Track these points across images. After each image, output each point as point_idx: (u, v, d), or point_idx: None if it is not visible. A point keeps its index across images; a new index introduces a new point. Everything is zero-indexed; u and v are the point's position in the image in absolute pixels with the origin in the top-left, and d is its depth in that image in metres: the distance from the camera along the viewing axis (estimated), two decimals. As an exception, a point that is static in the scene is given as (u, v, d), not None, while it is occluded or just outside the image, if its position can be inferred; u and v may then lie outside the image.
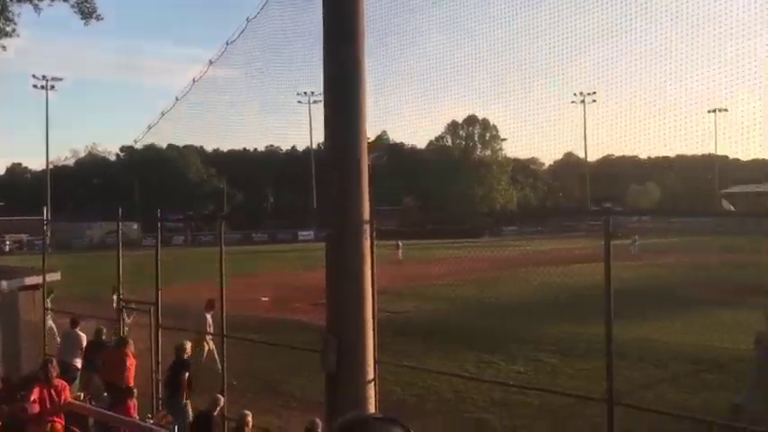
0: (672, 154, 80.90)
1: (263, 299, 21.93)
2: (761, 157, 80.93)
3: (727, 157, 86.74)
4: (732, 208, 59.15)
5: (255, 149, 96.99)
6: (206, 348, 13.23)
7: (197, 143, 77.10)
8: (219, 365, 11.61)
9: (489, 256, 35.61)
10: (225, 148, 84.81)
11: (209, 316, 13.46)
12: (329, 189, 7.15)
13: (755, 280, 23.49)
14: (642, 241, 40.67)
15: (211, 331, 13.03)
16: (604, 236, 6.65)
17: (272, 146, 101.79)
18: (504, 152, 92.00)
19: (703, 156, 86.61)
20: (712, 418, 8.78)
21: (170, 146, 76.52)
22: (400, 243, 39.73)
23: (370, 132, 7.45)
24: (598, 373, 12.55)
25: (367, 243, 7.12)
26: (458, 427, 10.45)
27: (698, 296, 21.76)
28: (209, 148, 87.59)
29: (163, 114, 11.37)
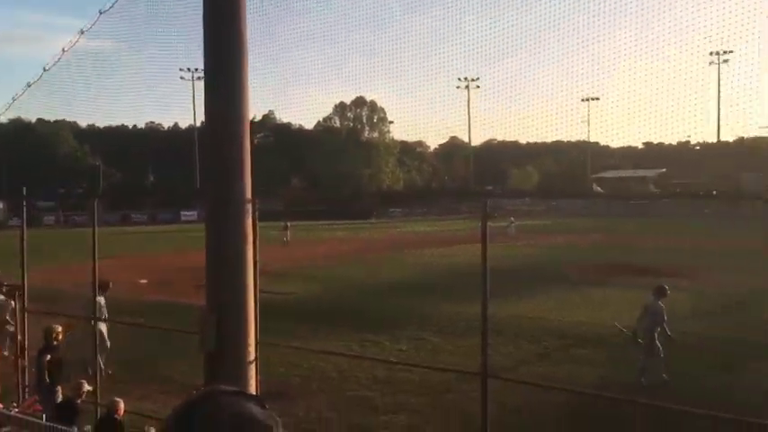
0: (549, 140, 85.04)
1: (142, 281, 21.12)
2: (628, 144, 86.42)
3: (598, 143, 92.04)
4: (601, 191, 62.85)
5: (135, 126, 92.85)
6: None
7: (69, 117, 72.83)
8: (99, 351, 11.41)
9: (375, 238, 36.11)
10: (101, 123, 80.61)
11: (101, 299, 12.92)
12: (210, 167, 6.96)
13: (623, 260, 25.24)
14: (520, 223, 42.45)
15: (105, 315, 12.56)
16: (482, 217, 6.88)
17: (152, 122, 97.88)
18: (391, 135, 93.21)
19: (577, 142, 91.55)
20: (579, 389, 9.39)
21: (40, 120, 71.90)
22: (288, 224, 39.42)
23: (258, 111, 7.31)
24: (476, 349, 13.09)
25: (249, 222, 7.00)
26: (341, 404, 10.54)
27: (570, 275, 23.01)
28: (83, 123, 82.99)
29: (29, 86, 10.60)
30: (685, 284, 21.05)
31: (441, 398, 10.56)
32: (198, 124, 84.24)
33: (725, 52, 59.82)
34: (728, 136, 77.00)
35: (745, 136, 73.75)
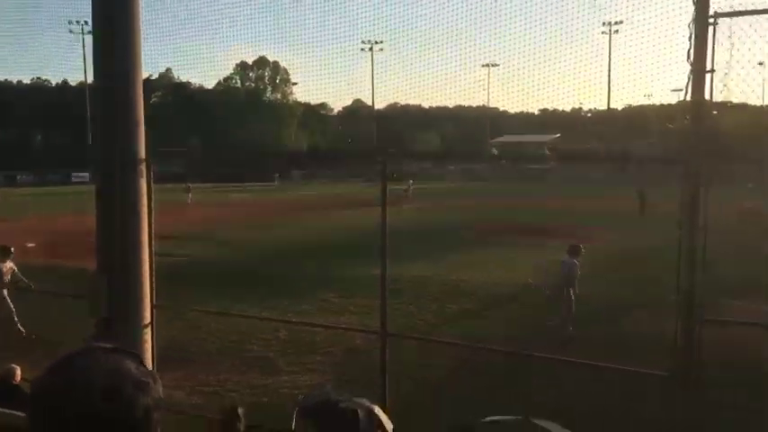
0: (451, 104, 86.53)
1: (29, 245, 20.04)
2: (525, 110, 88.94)
3: (497, 109, 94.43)
4: (498, 154, 64.75)
5: (20, 82, 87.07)
6: None
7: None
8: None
9: (277, 200, 35.75)
10: (-20, 78, 75.20)
11: (4, 265, 12.34)
12: (101, 126, 6.67)
13: (520, 222, 26.21)
14: (422, 186, 43.12)
15: (8, 281, 12.29)
16: (381, 179, 6.96)
17: (38, 78, 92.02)
18: (294, 96, 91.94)
19: (478, 107, 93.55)
20: (476, 344, 9.78)
21: None
22: (190, 186, 38.36)
23: (154, 69, 7.03)
24: (375, 308, 13.33)
25: (143, 183, 6.79)
26: (243, 366, 10.52)
27: (470, 237, 23.72)
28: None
29: None
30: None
31: (343, 357, 10.74)
32: (89, 81, 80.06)
33: (616, 23, 62.68)
34: (617, 104, 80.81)
35: (632, 104, 77.74)
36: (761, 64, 5.28)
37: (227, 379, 9.94)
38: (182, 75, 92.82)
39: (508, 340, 10.62)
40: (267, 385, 9.68)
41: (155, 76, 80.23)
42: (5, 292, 12.27)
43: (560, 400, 7.83)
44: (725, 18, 5.23)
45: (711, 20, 5.20)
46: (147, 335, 6.93)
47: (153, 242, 7.11)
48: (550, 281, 12.45)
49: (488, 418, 4.89)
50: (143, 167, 6.75)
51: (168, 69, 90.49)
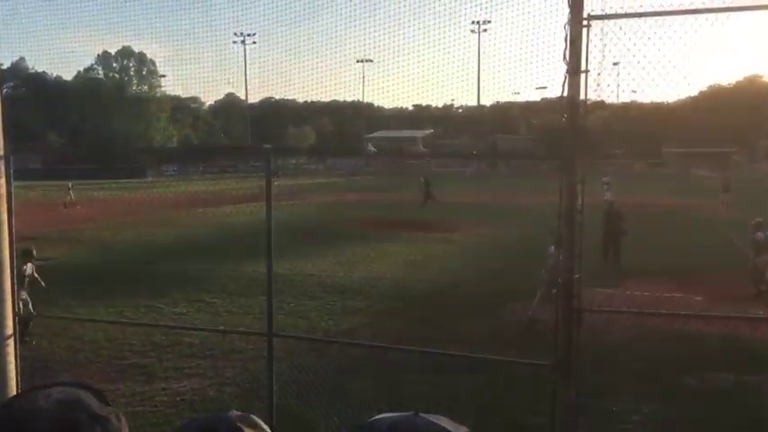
0: (326, 99, 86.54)
1: None
2: (400, 105, 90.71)
3: (372, 104, 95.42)
4: (375, 150, 65.49)
5: None
6: None
7: None
8: None
9: (148, 198, 34.28)
10: None
11: (25, 267, 11.05)
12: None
13: (396, 216, 26.60)
14: (298, 182, 42.80)
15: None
16: (266, 175, 6.75)
17: None
18: (162, 89, 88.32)
19: (353, 102, 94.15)
20: (358, 341, 9.80)
21: None
22: (71, 184, 35.92)
23: (5, 59, 6.43)
24: (256, 308, 13.11)
25: (2, 181, 6.23)
26: (116, 374, 9.93)
27: (346, 232, 23.79)
28: None
29: None
30: (456, 237, 22.85)
31: (224, 359, 10.40)
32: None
33: (485, 22, 65.12)
34: (487, 100, 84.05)
35: (501, 101, 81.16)
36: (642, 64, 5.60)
37: (101, 389, 9.35)
38: (36, 65, 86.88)
39: (393, 335, 10.72)
40: (144, 392, 9.19)
41: (5, 66, 74.50)
42: (25, 293, 11.12)
43: (447, 392, 7.99)
44: (597, 20, 5.49)
45: (585, 22, 5.43)
46: (10, 346, 6.37)
47: (14, 246, 6.54)
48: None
49: (379, 416, 4.90)
50: (2, 164, 6.19)
51: (21, 58, 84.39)
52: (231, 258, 17.46)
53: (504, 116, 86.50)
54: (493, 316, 12.45)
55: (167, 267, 17.33)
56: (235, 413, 2.24)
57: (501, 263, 17.48)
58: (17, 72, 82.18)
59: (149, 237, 23.52)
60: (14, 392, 6.50)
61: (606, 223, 17.30)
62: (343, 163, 70.27)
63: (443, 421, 3.61)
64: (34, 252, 12.12)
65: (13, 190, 6.58)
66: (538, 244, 13.86)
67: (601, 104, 5.91)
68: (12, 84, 77.59)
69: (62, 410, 1.12)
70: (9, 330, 6.37)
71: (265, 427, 2.34)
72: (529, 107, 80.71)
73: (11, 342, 6.43)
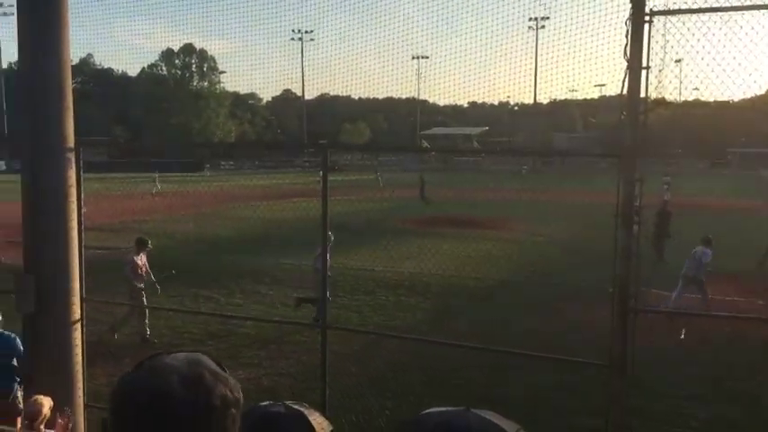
0: (380, 96, 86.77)
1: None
2: (455, 102, 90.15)
3: (427, 101, 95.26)
4: (428, 147, 65.35)
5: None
6: None
7: None
8: None
9: (208, 191, 35.01)
10: None
11: (140, 258, 11.91)
12: (27, 112, 6.33)
13: (450, 213, 26.50)
14: (355, 177, 43.02)
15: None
16: (322, 169, 6.85)
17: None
18: (222, 85, 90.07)
19: (408, 99, 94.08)
20: (409, 335, 9.85)
21: None
22: (157, 176, 37.41)
23: (74, 54, 6.71)
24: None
25: (72, 173, 6.49)
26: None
27: (400, 228, 23.86)
28: None
29: None
30: (508, 236, 22.66)
31: (278, 350, 10.62)
32: (5, 66, 76.21)
33: (542, 18, 64.16)
34: (543, 98, 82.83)
35: (557, 98, 79.90)
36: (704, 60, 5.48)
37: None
38: (103, 61, 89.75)
39: (445, 331, 10.75)
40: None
41: (74, 62, 77.17)
42: (140, 285, 11.80)
43: (499, 390, 7.98)
44: (659, 16, 5.40)
45: (647, 18, 5.35)
46: (77, 330, 6.64)
47: (83, 234, 6.82)
48: None
49: (430, 410, 4.94)
50: (72, 156, 6.45)
51: (89, 55, 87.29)
52: (286, 252, 17.72)
53: (561, 114, 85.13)
54: (545, 315, 12.33)
55: (225, 259, 17.74)
56: (290, 403, 2.33)
57: (553, 262, 17.29)
58: (85, 68, 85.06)
59: (208, 229, 24.06)
60: (81, 377, 6.78)
61: (657, 223, 16.98)
62: (396, 160, 70.35)
63: (494, 417, 3.65)
64: (149, 243, 12.45)
65: (82, 181, 6.86)
66: (591, 243, 13.67)
67: (662, 102, 5.79)
68: (80, 79, 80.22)
69: (188, 366, 1.24)
70: (77, 315, 6.64)
71: (321, 417, 2.42)
72: (586, 105, 79.27)
73: (78, 327, 6.70)
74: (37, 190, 6.31)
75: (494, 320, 11.91)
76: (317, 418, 2.36)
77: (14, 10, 6.48)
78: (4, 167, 57.33)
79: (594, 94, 71.15)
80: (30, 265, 6.34)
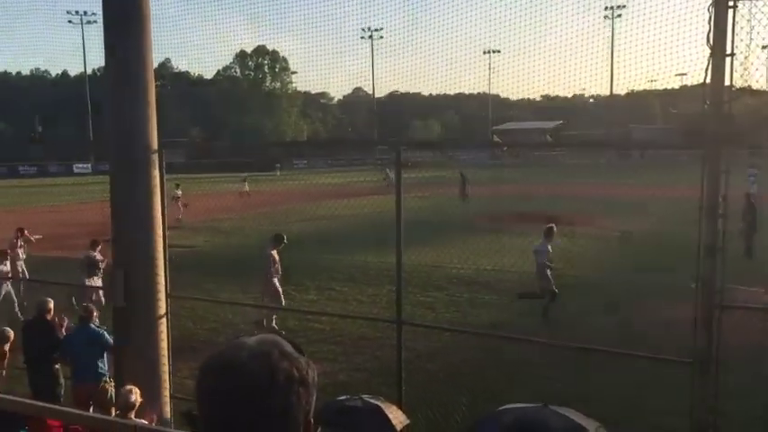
0: (451, 92, 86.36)
1: (36, 237, 20.04)
2: (527, 96, 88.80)
3: (498, 95, 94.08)
4: (500, 142, 64.48)
5: (19, 73, 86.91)
6: None
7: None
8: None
9: (281, 189, 35.72)
10: (-20, 70, 75.02)
11: (273, 252, 12.75)
12: (115, 116, 6.63)
13: (524, 209, 26.13)
14: (425, 174, 42.86)
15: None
16: (395, 167, 6.88)
17: (38, 69, 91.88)
18: (294, 85, 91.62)
19: (479, 94, 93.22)
20: (484, 331, 9.79)
21: None
22: (245, 176, 38.76)
23: (155, 60, 6.96)
24: (384, 298, 13.40)
25: (156, 174, 6.77)
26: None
27: (473, 224, 23.67)
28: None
29: None
30: (587, 231, 22.18)
31: (353, 346, 10.74)
32: (90, 72, 79.83)
33: (618, 7, 62.32)
34: (620, 89, 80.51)
35: (636, 89, 77.47)
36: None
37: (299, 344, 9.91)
38: (180, 64, 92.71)
39: (520, 328, 10.61)
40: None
41: (154, 66, 79.97)
42: (276, 280, 12.49)
43: (579, 388, 7.83)
44: (744, 1, 5.18)
45: (731, 3, 5.14)
46: (163, 325, 6.93)
47: (166, 232, 7.10)
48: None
49: (508, 406, 4.89)
50: (156, 158, 6.72)
51: (167, 59, 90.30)
52: (359, 249, 17.88)
53: (640, 105, 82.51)
54: (625, 312, 12.00)
55: (299, 256, 18.03)
56: (367, 397, 2.37)
57: (635, 259, 16.79)
58: (163, 71, 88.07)
59: (283, 227, 24.52)
60: (167, 369, 7.06)
61: (744, 218, 16.29)
62: (468, 156, 69.84)
63: (573, 414, 3.60)
64: (285, 239, 12.99)
65: (165, 181, 7.15)
66: (674, 239, 13.22)
67: (748, 90, 5.55)
68: (158, 83, 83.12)
69: (259, 344, 1.36)
70: (162, 310, 6.92)
71: (398, 411, 2.45)
72: (667, 95, 76.58)
73: (164, 321, 6.98)
74: (123, 190, 6.61)
75: (572, 317, 11.69)
76: (393, 412, 2.38)
77: (98, 18, 6.79)
78: (90, 169, 60.06)
79: (675, 83, 68.77)
80: (119, 262, 6.65)
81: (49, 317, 7.85)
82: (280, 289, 12.62)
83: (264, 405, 1.30)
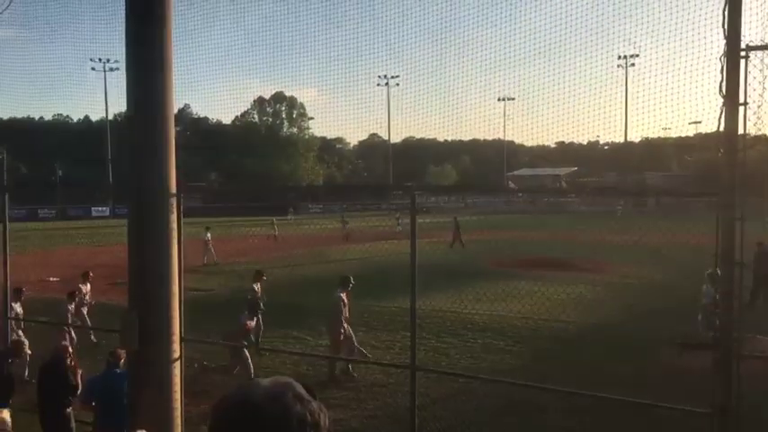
0: (466, 138, 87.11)
1: (52, 279, 20.25)
2: (542, 143, 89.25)
3: (513, 142, 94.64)
4: (515, 188, 64.53)
5: (41, 118, 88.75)
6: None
7: (-32, 108, 69.14)
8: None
9: (294, 234, 35.87)
10: (4, 114, 76.69)
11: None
12: (133, 160, 6.76)
13: (538, 254, 26.04)
14: (439, 219, 43.00)
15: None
16: (410, 212, 6.92)
17: (60, 115, 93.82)
18: (311, 131, 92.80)
19: (494, 140, 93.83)
20: (499, 378, 9.68)
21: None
22: (275, 219, 39.09)
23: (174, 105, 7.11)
24: (398, 343, 13.32)
25: (174, 218, 6.85)
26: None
27: (487, 269, 23.59)
28: (-17, 114, 78.74)
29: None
30: (601, 278, 22.01)
31: (366, 392, 10.64)
32: (111, 117, 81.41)
33: (632, 56, 62.92)
34: (635, 136, 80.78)
35: (650, 137, 77.65)
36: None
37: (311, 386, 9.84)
38: (199, 110, 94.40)
39: (536, 375, 10.47)
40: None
41: (173, 112, 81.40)
42: (346, 325, 12.47)
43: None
44: (757, 51, 5.25)
45: (743, 53, 5.21)
46: (177, 368, 6.92)
47: (183, 276, 7.15)
48: None
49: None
50: (174, 201, 6.81)
51: (186, 105, 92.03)
52: (373, 293, 17.82)
53: (654, 153, 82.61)
54: (640, 359, 11.83)
55: (313, 300, 17.99)
56: None
57: (648, 306, 16.60)
58: (183, 117, 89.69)
59: (296, 271, 24.57)
60: (179, 413, 7.02)
61: (756, 266, 16.08)
62: (483, 201, 69.95)
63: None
64: (352, 281, 13.07)
65: (182, 225, 7.22)
66: (689, 287, 13.11)
67: (762, 139, 5.59)
68: (178, 128, 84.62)
69: (273, 385, 1.40)
70: (176, 354, 6.92)
71: None
72: (681, 143, 76.61)
73: (177, 364, 6.98)
74: (141, 233, 6.69)
75: (586, 364, 11.52)
76: None
77: (120, 65, 6.98)
78: (108, 212, 60.74)
79: (690, 131, 68.89)
80: (134, 304, 6.69)
81: (66, 360, 7.88)
82: (353, 336, 12.50)
83: None
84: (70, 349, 8.05)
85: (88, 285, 15.24)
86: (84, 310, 14.58)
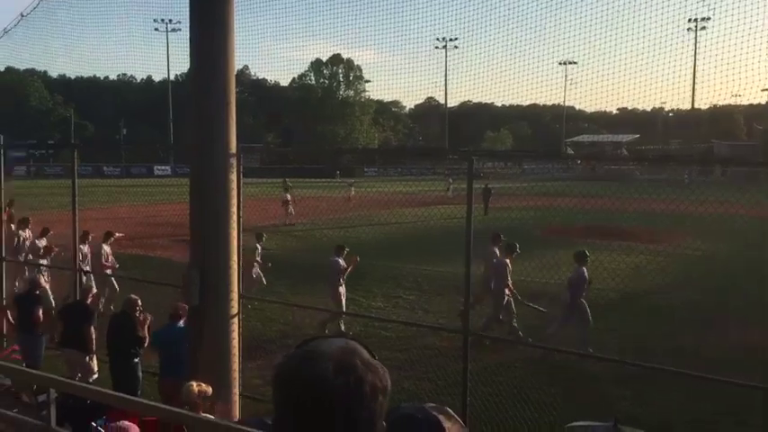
0: (525, 103, 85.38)
1: (119, 234, 20.88)
2: (603, 108, 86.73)
3: (573, 107, 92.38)
4: (573, 154, 63.10)
5: (107, 77, 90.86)
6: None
7: (40, 67, 71.18)
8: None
9: (352, 196, 36.07)
10: (72, 74, 78.79)
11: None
12: (195, 120, 6.87)
13: (596, 223, 25.55)
14: (496, 185, 42.56)
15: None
16: (467, 177, 6.88)
17: (125, 75, 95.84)
18: (367, 93, 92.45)
19: (553, 105, 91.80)
20: (550, 346, 9.61)
21: (9, 69, 70.03)
22: (352, 181, 39.67)
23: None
24: (450, 308, 13.33)
25: (234, 177, 6.97)
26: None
27: (547, 237, 23.32)
28: (53, 73, 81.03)
29: (6, 31, 10.29)
30: (657, 248, 21.50)
31: (419, 354, 10.73)
32: (172, 78, 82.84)
33: (703, 19, 60.24)
34: (702, 104, 77.78)
35: (718, 104, 74.65)
36: None
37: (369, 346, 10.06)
38: (258, 72, 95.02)
39: (592, 345, 10.37)
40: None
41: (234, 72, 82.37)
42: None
43: (650, 408, 7.61)
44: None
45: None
46: (234, 324, 7.11)
47: (241, 234, 7.29)
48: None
49: (576, 423, 4.79)
50: (234, 161, 6.92)
51: (245, 66, 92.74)
52: (428, 258, 17.84)
53: (723, 120, 79.49)
54: (702, 332, 11.57)
55: (367, 263, 18.15)
56: (431, 405, 2.38)
57: (714, 279, 16.16)
58: (242, 79, 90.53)
59: (352, 234, 24.77)
60: (237, 367, 7.24)
61: None
62: (540, 168, 68.76)
63: (642, 435, 3.45)
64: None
65: (242, 184, 7.35)
66: (755, 261, 12.71)
67: None
68: (238, 90, 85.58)
69: (342, 354, 1.34)
70: (235, 310, 7.11)
71: (460, 420, 2.45)
72: (752, 110, 73.53)
73: (235, 321, 7.17)
74: (202, 192, 6.83)
75: (645, 336, 11.33)
76: (451, 427, 2.36)
77: (182, 26, 7.06)
78: (169, 172, 62.19)
79: (762, 98, 66.01)
80: (195, 262, 6.87)
81: (135, 313, 8.18)
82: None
83: (352, 417, 1.30)
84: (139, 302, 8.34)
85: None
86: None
